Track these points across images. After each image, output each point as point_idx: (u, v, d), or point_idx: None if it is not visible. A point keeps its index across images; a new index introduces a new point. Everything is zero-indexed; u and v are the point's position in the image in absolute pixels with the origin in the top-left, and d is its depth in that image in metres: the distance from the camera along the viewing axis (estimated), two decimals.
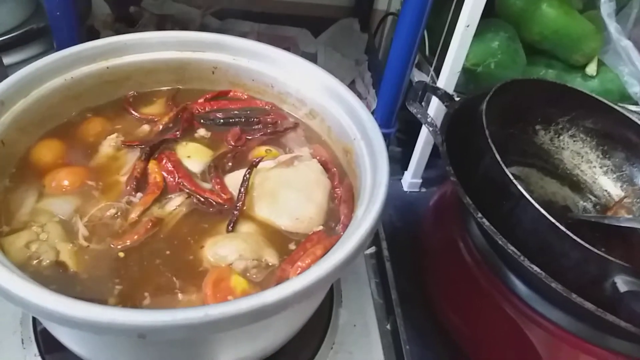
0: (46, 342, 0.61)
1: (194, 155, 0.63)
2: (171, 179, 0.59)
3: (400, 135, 1.13)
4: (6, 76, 0.86)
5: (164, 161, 0.60)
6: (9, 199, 0.56)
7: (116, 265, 0.52)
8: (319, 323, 0.67)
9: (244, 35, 0.71)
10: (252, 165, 0.60)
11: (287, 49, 0.69)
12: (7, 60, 0.96)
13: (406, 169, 1.09)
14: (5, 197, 0.56)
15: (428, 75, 1.02)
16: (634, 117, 0.82)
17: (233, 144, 0.65)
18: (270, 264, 0.53)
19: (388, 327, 0.73)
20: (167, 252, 0.53)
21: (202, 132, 0.67)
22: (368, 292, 0.75)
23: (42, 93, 0.61)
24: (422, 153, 1.03)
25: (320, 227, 0.56)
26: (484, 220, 0.65)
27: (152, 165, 0.60)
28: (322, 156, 0.65)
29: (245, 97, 0.72)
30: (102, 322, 0.39)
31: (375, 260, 0.83)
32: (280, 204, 0.57)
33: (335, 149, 0.66)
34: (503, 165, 0.66)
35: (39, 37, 1.05)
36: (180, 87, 0.73)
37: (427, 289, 0.87)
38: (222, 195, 0.57)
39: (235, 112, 0.70)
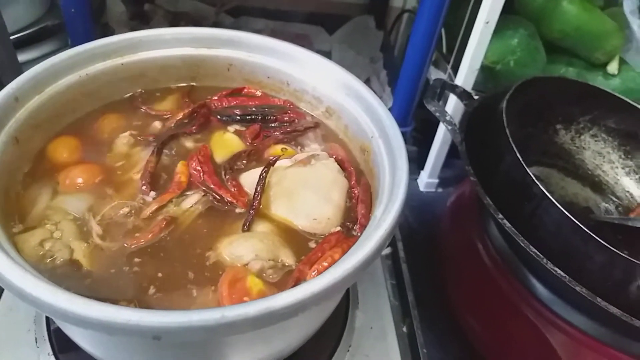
0: (60, 341, 0.60)
1: (229, 147, 0.63)
2: (197, 175, 0.58)
3: (416, 134, 1.11)
4: (21, 73, 0.86)
5: (195, 158, 0.60)
6: (23, 197, 0.55)
7: (130, 264, 0.51)
8: (335, 325, 0.66)
9: (257, 32, 0.69)
10: (269, 164, 0.59)
11: (302, 46, 0.68)
12: (22, 57, 0.96)
13: (422, 169, 1.08)
14: (19, 194, 0.55)
15: (445, 73, 1.00)
16: None
17: (250, 141, 0.64)
18: (286, 264, 0.52)
19: (404, 329, 0.72)
20: (182, 251, 0.52)
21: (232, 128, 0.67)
22: (385, 293, 0.73)
23: (56, 89, 0.60)
24: (439, 152, 1.01)
25: (338, 228, 0.55)
26: (505, 221, 0.63)
27: (181, 166, 0.59)
28: (338, 155, 0.63)
29: (260, 94, 0.71)
30: (117, 323, 0.38)
31: (391, 262, 0.82)
32: (297, 203, 0.56)
33: (353, 147, 0.65)
34: (524, 165, 0.64)
35: (53, 34, 1.05)
36: (194, 84, 0.72)
37: (444, 291, 0.85)
38: (241, 198, 0.57)
39: (253, 109, 0.69)
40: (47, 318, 0.62)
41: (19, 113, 0.56)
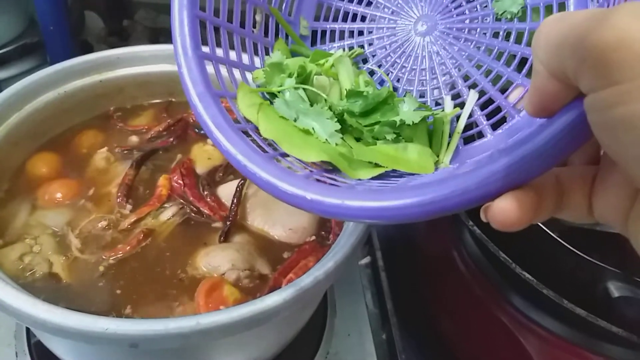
0: (40, 354, 0.60)
1: (209, 158, 0.64)
2: (178, 187, 0.60)
3: None
4: (0, 90, 0.87)
5: (178, 170, 0.61)
6: (3, 212, 0.56)
7: (108, 276, 0.52)
8: (314, 332, 0.67)
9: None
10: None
11: None
12: (1, 74, 0.97)
13: None
14: None
15: None
16: None
17: None
18: (262, 273, 0.53)
19: (384, 337, 0.73)
20: (160, 263, 0.53)
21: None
22: (362, 301, 0.75)
23: (35, 107, 0.61)
24: None
25: (313, 237, 0.57)
26: (476, 228, 0.65)
27: (163, 179, 0.61)
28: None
29: None
30: (95, 332, 0.39)
31: (370, 270, 0.83)
32: (273, 214, 0.57)
33: None
34: None
35: (32, 51, 1.05)
36: (172, 99, 0.73)
37: (423, 298, 0.87)
38: (218, 211, 0.58)
39: None
40: (28, 332, 0.62)
41: None
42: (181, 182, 0.60)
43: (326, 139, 0.42)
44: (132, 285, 0.51)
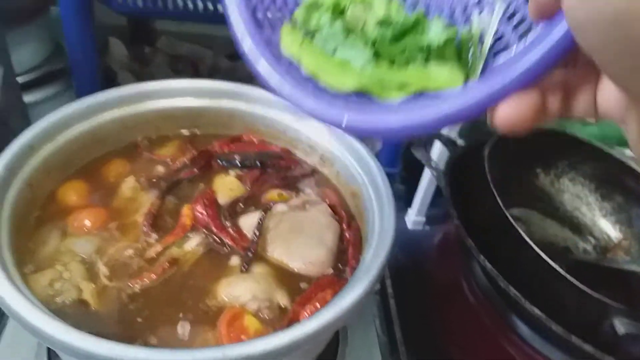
0: None
1: (231, 190, 0.67)
2: (201, 218, 0.62)
3: (404, 173, 1.16)
4: (26, 114, 0.90)
5: (200, 201, 0.63)
6: (34, 238, 0.59)
7: (134, 304, 0.54)
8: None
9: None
10: (267, 209, 0.63)
11: None
12: (27, 98, 1.00)
13: (410, 206, 1.11)
14: (31, 236, 0.59)
15: None
16: (629, 163, 0.86)
17: (250, 185, 0.69)
18: (281, 305, 0.55)
19: None
20: (183, 291, 0.56)
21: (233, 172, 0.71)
22: (373, 329, 0.76)
23: (67, 137, 0.64)
24: (425, 192, 1.05)
25: (331, 270, 0.59)
26: (486, 262, 0.67)
27: (186, 209, 0.63)
28: (331, 199, 0.68)
29: (258, 141, 0.76)
30: None
31: (380, 297, 0.85)
32: (293, 247, 0.60)
33: (344, 192, 0.69)
34: (504, 208, 0.68)
35: (58, 76, 1.09)
36: (196, 131, 0.76)
37: (431, 326, 0.88)
38: (240, 242, 0.60)
39: (252, 155, 0.73)
40: (49, 353, 0.64)
41: (32, 160, 0.60)
42: (204, 212, 0.62)
43: (361, 68, 0.45)
44: (156, 313, 0.53)
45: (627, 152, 1.01)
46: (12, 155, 0.58)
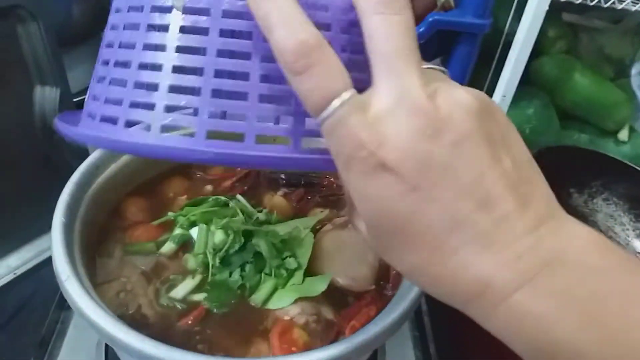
0: None
1: (278, 208, 0.71)
2: None
3: None
4: None
5: None
6: (100, 252, 0.64)
7: (189, 317, 0.57)
8: None
9: None
10: (316, 230, 0.67)
11: None
12: None
13: None
14: (97, 250, 0.64)
15: None
16: None
17: (296, 203, 0.73)
18: (327, 318, 0.59)
19: None
20: (234, 304, 0.59)
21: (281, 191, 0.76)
22: (409, 345, 0.79)
23: (129, 157, 0.69)
24: None
25: (373, 286, 0.62)
26: None
27: None
28: None
29: None
30: None
31: (414, 313, 0.88)
32: (337, 264, 0.63)
33: None
34: None
35: None
36: None
37: (464, 344, 0.90)
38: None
39: (296, 174, 0.78)
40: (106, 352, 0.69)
41: (99, 179, 0.66)
42: None
43: None
44: (211, 325, 0.57)
45: None
46: (81, 175, 0.63)
